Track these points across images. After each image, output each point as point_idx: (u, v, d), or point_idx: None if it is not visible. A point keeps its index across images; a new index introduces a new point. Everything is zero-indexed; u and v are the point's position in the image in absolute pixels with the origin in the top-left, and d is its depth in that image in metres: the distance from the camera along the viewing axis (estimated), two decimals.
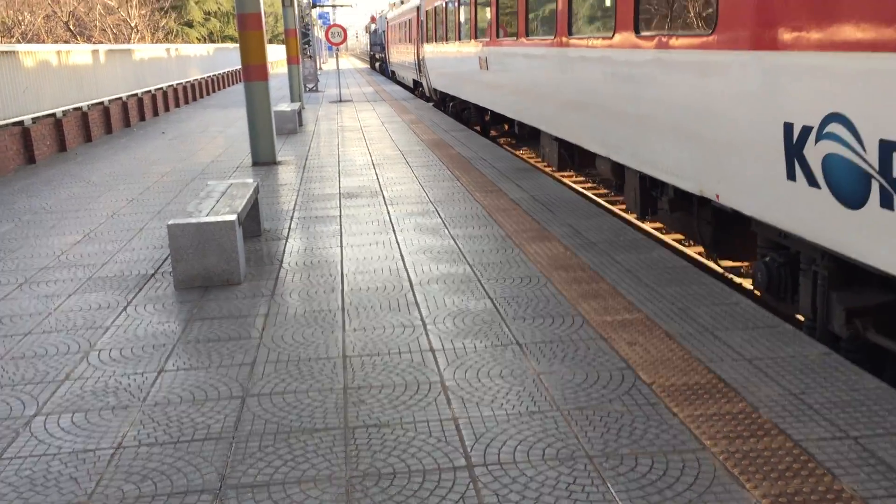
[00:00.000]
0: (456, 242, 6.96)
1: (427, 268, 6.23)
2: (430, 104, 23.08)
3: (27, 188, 11.11)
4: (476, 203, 8.56)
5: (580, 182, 12.83)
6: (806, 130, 4.63)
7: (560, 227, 7.29)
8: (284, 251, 6.97)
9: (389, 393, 4.01)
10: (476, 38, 14.91)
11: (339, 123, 18.18)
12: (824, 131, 4.46)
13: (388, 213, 8.32)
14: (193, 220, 5.93)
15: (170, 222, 5.94)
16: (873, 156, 4.08)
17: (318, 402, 3.94)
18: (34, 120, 13.84)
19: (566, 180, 12.89)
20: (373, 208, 8.59)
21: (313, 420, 3.75)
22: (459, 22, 16.77)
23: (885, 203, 4.05)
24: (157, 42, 33.58)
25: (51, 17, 29.05)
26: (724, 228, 6.49)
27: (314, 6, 37.72)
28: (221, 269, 5.99)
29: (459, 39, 16.83)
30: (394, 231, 7.50)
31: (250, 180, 7.55)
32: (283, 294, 5.74)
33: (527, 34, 11.10)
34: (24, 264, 6.91)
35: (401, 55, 32.03)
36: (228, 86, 37.89)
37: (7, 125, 12.84)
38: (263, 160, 12.21)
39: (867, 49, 4.10)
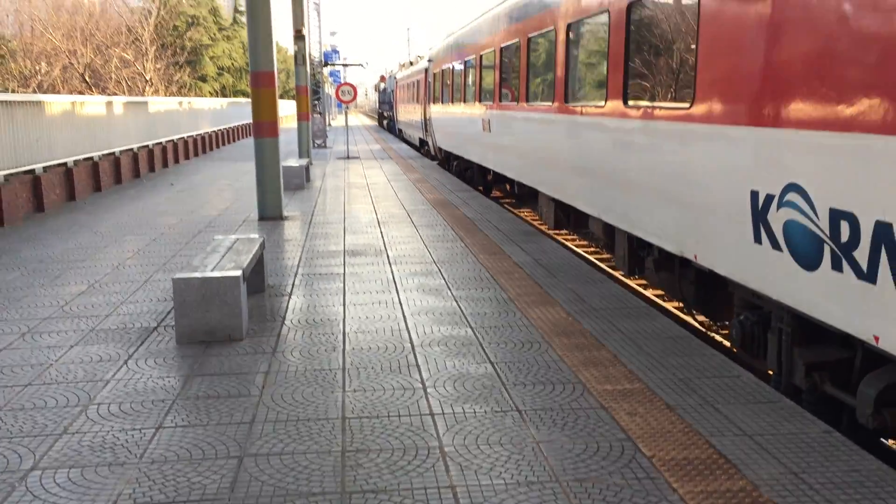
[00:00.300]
0: (458, 304, 6.98)
1: (429, 329, 6.23)
2: (435, 163, 23.52)
3: (35, 236, 11.19)
4: (480, 265, 8.60)
5: (584, 246, 12.90)
6: (769, 198, 5.09)
7: (563, 292, 7.32)
8: (287, 308, 6.99)
9: (388, 457, 3.99)
10: (480, 100, 15.49)
11: (346, 180, 18.37)
12: (784, 199, 4.92)
13: (392, 272, 8.36)
14: (198, 275, 5.97)
15: (175, 276, 5.98)
16: (825, 223, 4.54)
17: (316, 465, 3.91)
18: (45, 168, 14.01)
19: (570, 244, 12.96)
20: (377, 267, 8.63)
21: (310, 483, 3.72)
22: (465, 85, 17.46)
23: (836, 266, 4.48)
24: (170, 95, 34.15)
25: (68, 68, 29.61)
26: (705, 288, 6.78)
27: (326, 65, 38.44)
28: (224, 324, 6.00)
29: (464, 101, 17.46)
30: (397, 291, 7.52)
31: (256, 235, 7.62)
32: (285, 352, 5.74)
33: (527, 99, 11.66)
34: (28, 314, 6.93)
35: (408, 114, 33.04)
36: (239, 139, 38.38)
37: (18, 173, 13.00)
38: (270, 215, 12.31)
39: (818, 127, 4.57)
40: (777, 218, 5.00)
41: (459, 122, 18.18)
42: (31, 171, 13.51)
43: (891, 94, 4.01)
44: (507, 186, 16.38)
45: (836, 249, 4.46)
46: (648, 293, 9.54)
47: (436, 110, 22.51)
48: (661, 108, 6.80)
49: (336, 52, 51.19)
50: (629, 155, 7.50)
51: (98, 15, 32.95)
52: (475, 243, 9.91)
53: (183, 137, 25.65)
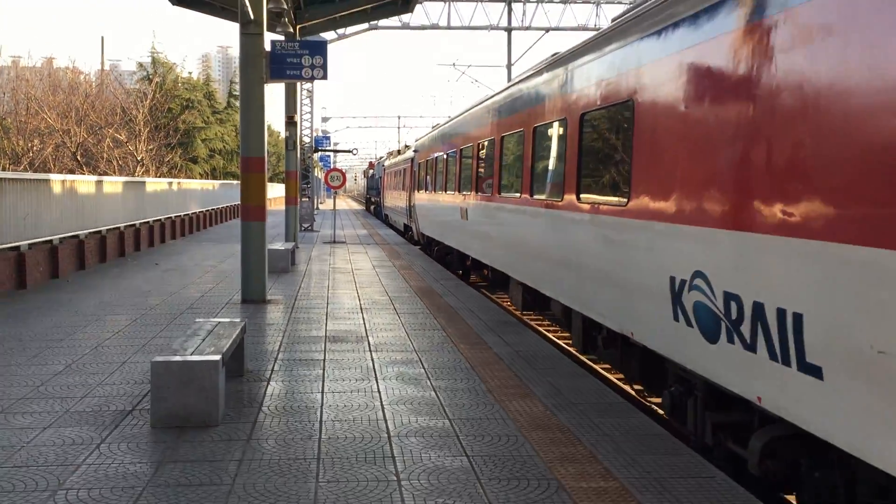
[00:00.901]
0: (437, 394, 6.98)
1: (406, 419, 6.22)
2: (418, 248, 24.00)
3: (15, 314, 11.15)
4: (460, 355, 8.63)
5: (565, 338, 12.95)
6: (682, 282, 6.01)
7: (542, 386, 7.34)
8: (265, 394, 6.96)
9: None
10: (459, 190, 16.38)
11: (331, 265, 18.48)
12: (693, 283, 5.84)
13: (373, 359, 8.36)
14: (178, 358, 5.97)
15: (154, 359, 5.98)
16: (721, 303, 5.44)
17: None
18: (30, 246, 14.05)
19: (551, 335, 13.01)
20: (357, 354, 8.64)
21: None
22: (446, 175, 18.39)
23: (729, 339, 5.35)
24: (161, 175, 34.53)
25: (60, 146, 29.97)
26: (647, 363, 7.48)
27: (316, 150, 39.08)
28: (200, 409, 5.97)
29: (446, 191, 18.32)
30: (376, 379, 7.52)
31: (238, 319, 7.64)
32: (260, 439, 5.71)
33: (500, 191, 12.59)
34: (2, 393, 6.87)
35: (394, 200, 34.12)
36: (226, 220, 38.62)
37: (3, 249, 13.02)
38: (253, 298, 12.34)
39: (713, 225, 5.56)
40: (688, 299, 5.91)
41: (441, 210, 19.10)
42: (17, 248, 13.54)
43: (757, 201, 5.01)
44: (485, 272, 17.10)
45: (728, 325, 5.36)
46: (628, 388, 9.56)
47: (419, 198, 23.54)
48: (605, 203, 7.77)
49: (327, 137, 52.12)
50: (581, 244, 8.44)
51: (94, 95, 33.57)
52: (456, 332, 9.96)
53: (170, 217, 25.82)
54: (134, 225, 21.19)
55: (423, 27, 32.14)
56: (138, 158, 33.56)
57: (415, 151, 26.17)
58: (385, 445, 5.60)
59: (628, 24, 7.37)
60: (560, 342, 12.41)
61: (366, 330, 10.11)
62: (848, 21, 4.27)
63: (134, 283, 14.62)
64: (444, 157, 18.80)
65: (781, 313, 4.73)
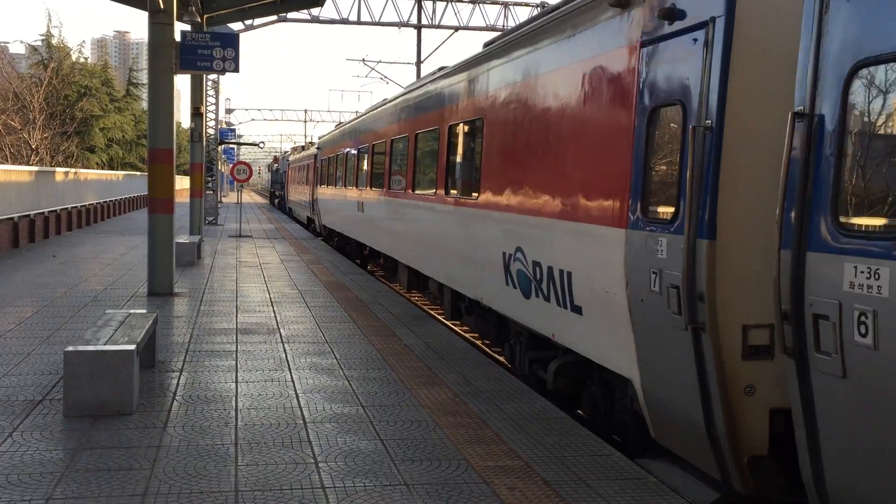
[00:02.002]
0: (350, 384, 7.19)
1: (321, 406, 6.42)
2: (320, 238, 25.52)
3: None
4: (371, 346, 8.86)
5: (469, 332, 13.33)
6: (509, 256, 8.01)
7: (450, 374, 7.65)
8: (178, 384, 7.03)
9: None
10: (357, 186, 18.07)
11: (238, 258, 18.34)
12: (515, 256, 7.86)
13: (285, 350, 8.50)
14: (91, 348, 5.99)
15: (67, 349, 5.98)
16: (530, 268, 7.47)
17: None
18: None
19: (458, 329, 13.37)
20: (269, 345, 8.75)
21: None
22: (346, 172, 20.08)
23: (536, 294, 7.38)
24: (56, 165, 33.24)
25: None
26: (497, 323, 9.27)
27: (221, 143, 38.42)
28: (114, 398, 6.01)
29: (345, 186, 20.00)
30: (290, 369, 7.68)
31: (150, 311, 7.65)
32: (176, 426, 5.80)
33: (389, 187, 14.30)
34: None
35: (298, 194, 35.49)
36: (125, 212, 37.52)
37: None
38: (160, 290, 12.22)
39: (525, 213, 7.63)
40: (513, 268, 7.94)
41: (340, 204, 20.89)
42: None
43: (545, 197, 7.20)
44: (381, 260, 18.40)
45: (535, 284, 7.38)
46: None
47: (322, 192, 25.21)
48: (464, 198, 9.77)
49: (232, 129, 51.18)
50: (448, 230, 10.34)
51: None
52: (367, 325, 10.17)
53: (66, 208, 24.98)
54: (28, 216, 20.45)
55: (332, 21, 32.03)
56: (33, 147, 32.22)
57: (318, 149, 27.67)
58: (301, 431, 5.79)
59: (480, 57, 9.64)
60: (467, 336, 12.78)
61: (277, 322, 10.21)
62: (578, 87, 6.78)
63: (31, 276, 14.20)
64: (342, 155, 20.69)
65: (561, 273, 6.79)
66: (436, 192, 10.94)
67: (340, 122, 24.08)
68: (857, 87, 3.87)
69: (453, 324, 13.80)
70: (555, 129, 7.06)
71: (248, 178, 26.72)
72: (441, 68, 12.05)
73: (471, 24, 33.17)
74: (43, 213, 21.93)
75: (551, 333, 7.10)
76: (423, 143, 12.06)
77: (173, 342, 8.81)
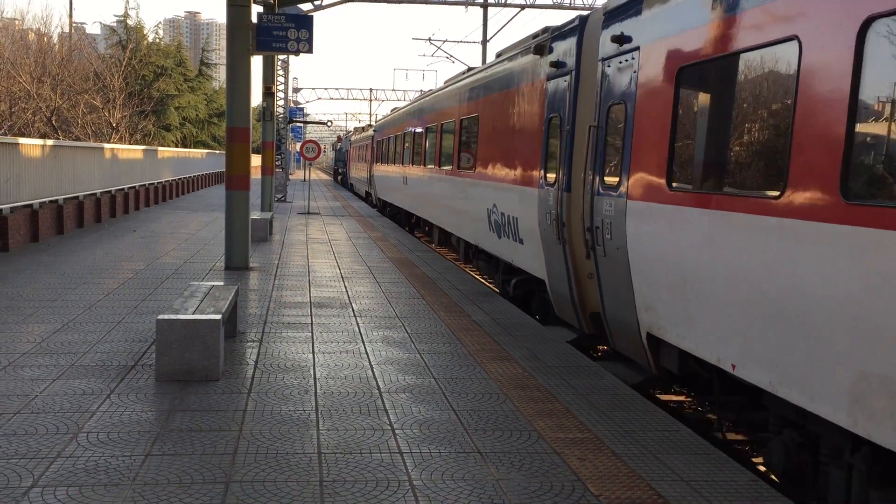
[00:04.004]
0: (422, 357, 7.43)
1: (394, 378, 6.67)
2: (376, 209, 29.34)
3: (2, 275, 11.36)
4: (440, 321, 9.08)
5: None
6: (490, 210, 11.80)
7: (519, 350, 7.82)
8: (259, 353, 7.36)
9: (363, 488, 4.39)
10: (402, 163, 22.10)
11: (308, 235, 18.78)
12: (492, 209, 11.61)
13: (358, 324, 8.78)
14: (182, 317, 6.34)
15: (159, 317, 6.34)
16: (501, 218, 11.15)
17: (297, 492, 4.30)
18: (12, 209, 14.19)
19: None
20: (343, 319, 9.05)
21: None
22: (395, 152, 24.13)
23: (504, 235, 11.04)
24: (134, 143, 34.35)
25: (36, 112, 29.68)
26: (494, 262, 12.77)
27: (291, 121, 39.07)
28: (202, 364, 6.36)
29: (393, 164, 24.08)
30: (363, 342, 7.95)
31: (232, 285, 8.00)
32: (260, 393, 6.11)
33: (424, 163, 18.28)
34: (6, 348, 7.18)
35: (358, 171, 40.19)
36: (197, 189, 38.59)
37: None
38: (236, 265, 12.66)
39: (497, 181, 11.39)
40: (492, 218, 11.71)
41: (391, 179, 24.88)
42: (0, 212, 13.69)
43: (505, 170, 11.04)
44: (426, 227, 21.33)
45: (503, 227, 11.03)
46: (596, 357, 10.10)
47: (377, 169, 29.23)
48: (466, 172, 13.64)
49: (300, 108, 52.01)
50: (459, 196, 14.21)
51: (66, 60, 33.22)
52: (436, 301, 10.40)
53: (144, 185, 25.86)
54: (110, 191, 21.27)
55: (400, 0, 32.22)
56: (113, 125, 33.35)
57: (374, 131, 32.15)
58: (377, 400, 6.04)
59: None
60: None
61: (349, 297, 10.51)
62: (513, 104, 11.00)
63: (114, 249, 14.83)
64: (392, 138, 24.92)
65: (514, 219, 10.56)
66: (451, 168, 14.83)
67: (395, 108, 27.90)
68: (611, 115, 7.62)
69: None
70: (510, 127, 11.05)
71: (317, 157, 27.20)
72: (461, 72, 15.94)
73: (537, 3, 32.95)
74: (123, 188, 22.77)
75: (511, 260, 11.08)
76: (444, 131, 16.23)
77: (251, 314, 9.18)
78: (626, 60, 7.28)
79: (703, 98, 6.23)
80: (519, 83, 10.64)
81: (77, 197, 18.32)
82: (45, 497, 4.10)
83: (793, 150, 4.83)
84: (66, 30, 41.24)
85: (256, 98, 42.14)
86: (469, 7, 33.00)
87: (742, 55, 5.47)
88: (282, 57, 34.33)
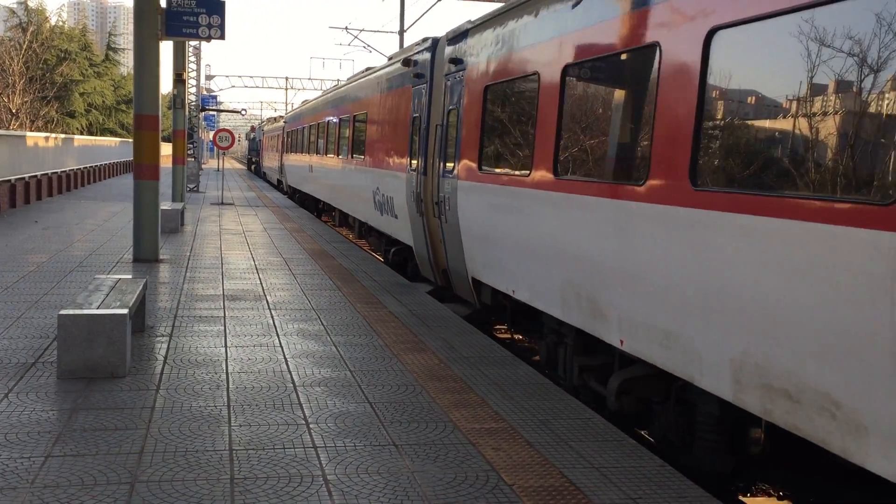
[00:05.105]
0: (337, 349, 7.35)
1: (310, 371, 6.58)
2: (286, 196, 31.27)
3: None
4: (357, 313, 9.01)
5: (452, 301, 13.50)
6: (374, 191, 14.20)
7: (435, 341, 7.83)
8: (169, 348, 7.15)
9: (275, 484, 4.32)
10: (307, 153, 24.54)
11: (221, 226, 18.37)
12: (376, 191, 14.03)
13: (272, 317, 8.63)
14: (86, 312, 6.10)
15: (61, 312, 6.09)
16: (383, 198, 13.51)
17: (206, 490, 4.19)
18: None
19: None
20: (257, 312, 8.88)
21: None
22: (300, 142, 26.62)
23: (384, 212, 13.56)
24: (36, 130, 32.88)
25: None
26: (379, 236, 15.47)
27: (203, 109, 38.10)
28: (108, 361, 6.14)
29: (300, 153, 26.65)
30: (278, 335, 7.82)
31: (140, 277, 7.75)
32: (169, 389, 5.94)
33: (326, 153, 20.56)
34: None
35: (270, 160, 42.03)
36: (108, 177, 37.25)
37: None
38: (146, 257, 12.28)
39: (377, 167, 13.87)
40: (376, 198, 14.01)
41: (300, 167, 26.87)
42: None
43: (383, 157, 13.50)
44: (333, 213, 23.28)
45: (384, 205, 13.41)
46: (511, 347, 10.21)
47: (287, 158, 31.46)
48: (356, 160, 16.05)
49: (213, 96, 50.73)
50: (350, 181, 16.79)
51: None
52: (352, 293, 10.32)
53: (47, 174, 24.80)
54: (9, 181, 20.31)
55: None
56: (13, 111, 31.84)
57: (285, 122, 34.13)
58: (291, 394, 5.95)
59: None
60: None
61: (263, 289, 10.33)
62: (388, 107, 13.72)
63: (15, 241, 14.18)
64: (301, 129, 26.97)
65: (391, 198, 12.76)
66: (347, 157, 17.21)
67: (306, 101, 29.58)
68: (450, 117, 9.90)
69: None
70: (389, 124, 13.30)
71: (231, 146, 26.62)
72: (360, 71, 17.93)
73: None
74: (24, 178, 21.78)
75: (390, 232, 13.32)
76: (337, 125, 19.04)
77: (161, 308, 8.92)
78: (458, 77, 9.67)
79: (495, 108, 8.62)
80: (395, 88, 13.08)
81: None
82: None
83: (536, 137, 7.37)
84: None
85: (167, 85, 40.77)
86: None
87: (516, 81, 8.02)
88: (193, 43, 33.41)
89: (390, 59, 14.66)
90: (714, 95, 5.01)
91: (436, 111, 10.66)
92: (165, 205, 17.62)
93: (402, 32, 35.30)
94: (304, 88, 76.41)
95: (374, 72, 15.13)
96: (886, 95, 3.78)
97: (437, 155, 10.19)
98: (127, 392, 5.82)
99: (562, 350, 7.30)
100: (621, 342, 5.89)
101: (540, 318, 7.96)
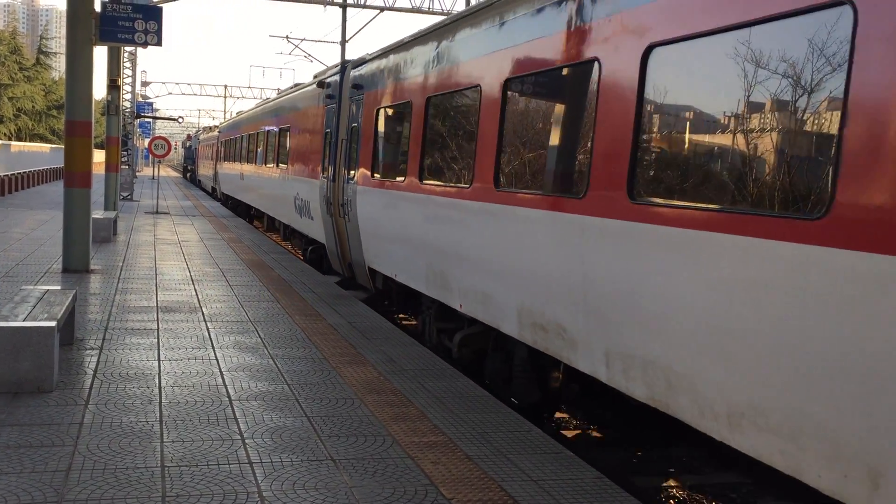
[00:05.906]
0: (275, 362, 7.24)
1: (246, 385, 6.46)
2: (219, 203, 32.04)
3: None
4: (295, 325, 8.89)
5: (393, 312, 13.45)
6: (294, 197, 16.15)
7: (375, 354, 7.77)
8: (99, 361, 6.94)
9: (208, 502, 4.21)
10: (241, 161, 25.91)
11: (156, 235, 17.98)
12: (296, 196, 15.94)
13: (208, 329, 8.46)
14: (11, 324, 5.88)
15: None
16: (301, 203, 15.46)
17: None
18: None
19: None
20: (191, 324, 8.69)
21: None
22: (233, 152, 28.33)
23: (303, 214, 15.38)
24: None
25: None
26: (300, 237, 17.22)
27: (138, 116, 37.32)
28: (34, 375, 5.92)
29: (232, 162, 28.20)
30: (213, 348, 7.66)
31: (69, 289, 7.51)
32: (98, 404, 5.76)
33: (256, 162, 22.07)
34: None
35: (206, 168, 43.24)
36: (35, 185, 36.12)
37: None
38: (75, 267, 11.92)
39: (299, 176, 15.87)
40: (296, 203, 15.85)
41: (232, 175, 28.39)
42: None
43: (303, 167, 15.32)
44: (266, 219, 24.32)
45: (302, 208, 15.28)
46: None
47: (222, 166, 32.88)
48: (280, 168, 17.84)
49: (149, 103, 49.72)
50: (277, 189, 18.29)
51: None
52: (290, 304, 10.18)
53: None
54: None
55: None
56: None
57: (220, 132, 35.46)
58: (227, 408, 5.83)
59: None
60: (388, 320, 12.90)
61: (199, 301, 10.12)
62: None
63: None
64: (234, 139, 28.57)
65: (307, 202, 14.69)
66: (273, 166, 18.94)
67: (241, 111, 30.93)
68: (352, 133, 11.78)
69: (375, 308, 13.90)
70: (307, 136, 15.10)
71: (167, 154, 26.10)
72: (289, 87, 20.06)
73: (396, 5, 33.05)
74: None
75: (308, 232, 15.07)
76: (265, 136, 20.81)
77: (91, 319, 8.66)
78: (359, 99, 11.60)
79: (382, 126, 10.62)
80: (312, 105, 14.99)
81: None
82: None
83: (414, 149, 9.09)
84: None
85: (100, 91, 39.84)
86: (328, 6, 32.68)
87: (395, 105, 9.93)
88: (129, 49, 32.71)
89: (316, 76, 16.22)
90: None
91: (343, 127, 12.44)
92: (98, 213, 17.17)
93: (343, 42, 35.17)
94: (243, 97, 75.52)
95: (298, 90, 17.30)
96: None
97: (342, 164, 12.16)
98: (54, 407, 5.62)
99: (427, 318, 9.11)
100: (460, 306, 7.76)
101: (420, 297, 9.68)
